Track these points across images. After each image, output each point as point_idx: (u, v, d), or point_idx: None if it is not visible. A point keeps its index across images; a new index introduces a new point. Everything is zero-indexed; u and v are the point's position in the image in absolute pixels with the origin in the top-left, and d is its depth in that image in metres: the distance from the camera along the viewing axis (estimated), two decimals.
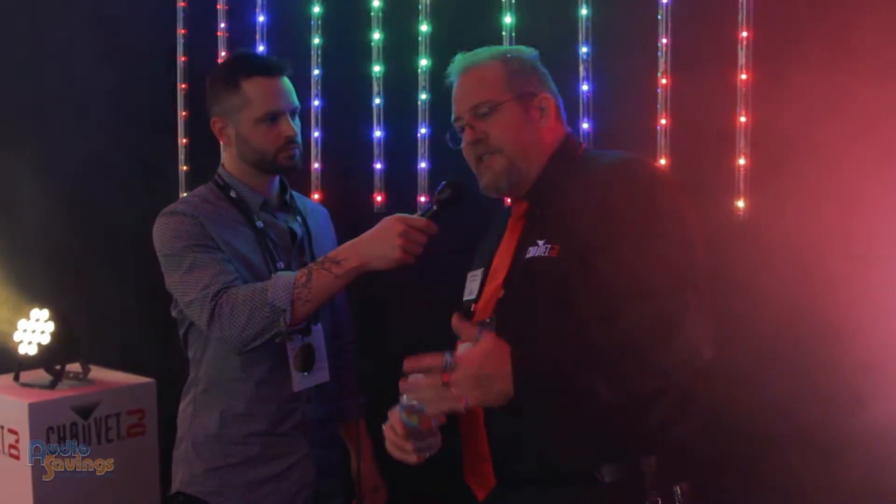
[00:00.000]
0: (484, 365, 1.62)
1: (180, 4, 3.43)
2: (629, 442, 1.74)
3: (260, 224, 2.30)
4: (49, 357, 3.20)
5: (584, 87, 2.48)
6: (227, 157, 2.37)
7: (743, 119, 2.25)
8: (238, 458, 2.28)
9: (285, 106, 2.27)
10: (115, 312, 3.73)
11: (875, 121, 2.05)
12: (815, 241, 2.12)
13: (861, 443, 2.08)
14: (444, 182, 2.06)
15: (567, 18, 2.50)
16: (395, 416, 1.76)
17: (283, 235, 2.34)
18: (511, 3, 2.61)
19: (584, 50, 2.48)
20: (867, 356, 2.06)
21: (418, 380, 1.66)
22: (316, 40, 3.06)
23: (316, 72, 3.06)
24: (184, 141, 3.47)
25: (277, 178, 2.39)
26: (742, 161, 2.25)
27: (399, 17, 2.88)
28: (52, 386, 3.15)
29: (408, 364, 1.67)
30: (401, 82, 2.87)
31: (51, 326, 3.18)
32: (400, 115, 2.88)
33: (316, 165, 3.08)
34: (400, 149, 2.89)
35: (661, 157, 2.37)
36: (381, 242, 2.05)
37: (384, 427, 1.80)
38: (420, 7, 2.79)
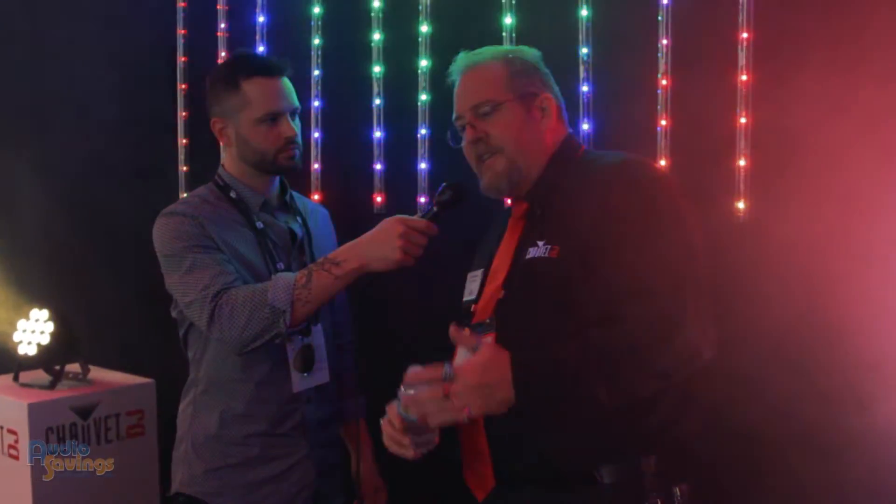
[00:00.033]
0: (484, 374, 1.62)
1: (180, 5, 3.43)
2: (629, 443, 1.74)
3: (260, 225, 2.30)
4: (48, 357, 3.20)
5: (585, 88, 2.48)
6: (227, 158, 2.37)
7: (743, 120, 2.24)
8: (238, 458, 2.28)
9: (285, 106, 2.27)
10: (114, 313, 3.72)
11: (876, 121, 2.05)
12: (816, 241, 2.12)
13: (861, 444, 2.08)
14: (444, 184, 2.06)
15: (567, 19, 2.50)
16: (393, 410, 1.76)
17: (283, 236, 2.34)
18: (511, 3, 2.61)
19: (584, 51, 2.48)
20: (868, 357, 2.06)
21: (419, 393, 1.66)
22: (316, 41, 3.06)
23: (316, 72, 3.06)
24: (184, 141, 3.47)
25: (277, 179, 2.39)
26: (742, 162, 2.25)
27: (399, 18, 2.88)
28: (51, 386, 3.14)
29: (408, 379, 1.67)
30: (401, 83, 2.87)
31: (50, 327, 3.18)
32: (400, 115, 2.88)
33: (316, 166, 3.08)
34: (400, 149, 2.89)
35: (661, 158, 2.37)
36: (381, 244, 2.05)
37: (382, 421, 1.80)
38: (420, 8, 2.79)
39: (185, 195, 3.36)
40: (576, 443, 1.73)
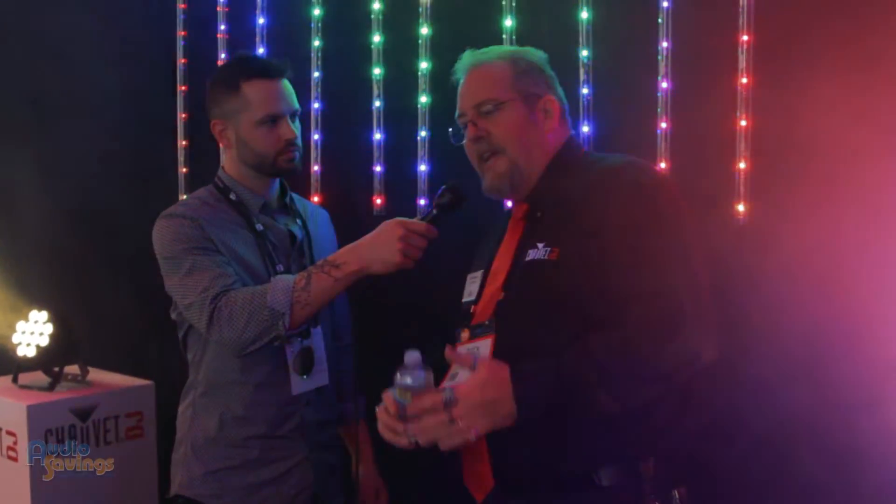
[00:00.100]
0: (485, 392, 1.64)
1: (180, 6, 3.43)
2: (628, 446, 1.74)
3: (259, 227, 2.30)
4: (48, 359, 3.19)
5: (585, 91, 2.48)
6: (227, 160, 2.37)
7: (743, 123, 2.24)
8: (237, 460, 2.28)
9: (285, 108, 2.27)
10: (114, 314, 3.72)
11: (876, 123, 2.05)
12: (816, 244, 2.11)
13: (861, 446, 2.07)
14: (443, 186, 2.06)
15: (568, 21, 2.50)
16: (389, 397, 1.76)
17: (282, 238, 2.34)
18: (512, 5, 2.60)
19: (584, 53, 2.48)
20: (868, 359, 2.06)
21: (425, 421, 1.66)
22: (316, 43, 3.06)
23: (316, 74, 3.06)
24: (183, 143, 3.47)
25: (277, 181, 2.39)
26: (742, 165, 2.25)
27: (399, 20, 2.87)
28: (50, 388, 3.14)
29: (411, 409, 1.67)
30: (401, 85, 2.87)
31: (49, 328, 3.18)
32: (400, 117, 2.88)
33: (316, 168, 3.08)
34: (400, 151, 2.89)
35: (661, 161, 2.37)
36: (381, 246, 2.04)
37: (377, 409, 1.80)
38: (420, 10, 2.79)
39: (184, 197, 3.36)
40: (575, 445, 1.73)
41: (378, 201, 2.94)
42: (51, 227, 3.94)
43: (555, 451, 1.74)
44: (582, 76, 2.48)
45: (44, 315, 3.20)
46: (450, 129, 2.02)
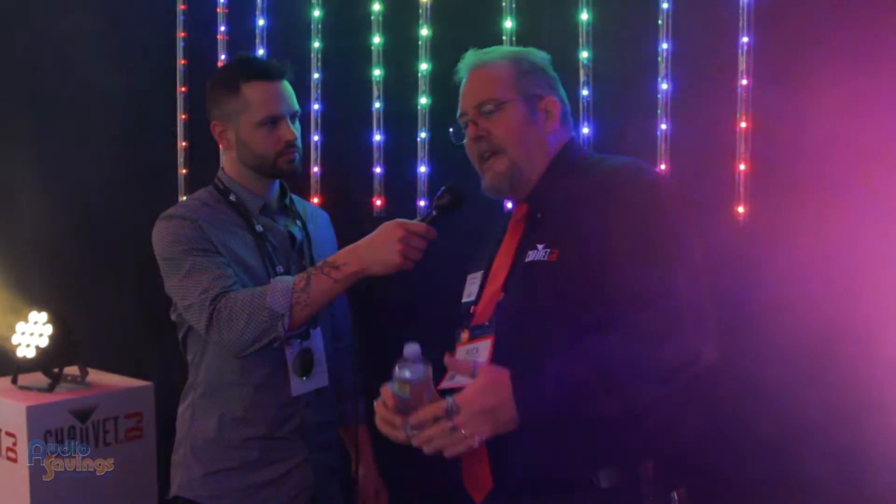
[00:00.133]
0: (486, 398, 1.64)
1: (181, 7, 3.43)
2: (626, 447, 1.74)
3: (259, 228, 2.30)
4: (47, 360, 3.19)
5: (585, 92, 2.48)
6: (227, 161, 2.37)
7: (743, 124, 2.24)
8: (237, 462, 2.28)
9: (285, 110, 2.27)
10: (113, 315, 3.72)
11: (876, 126, 2.05)
12: (816, 246, 2.11)
13: (862, 448, 2.07)
14: (443, 188, 2.06)
15: (568, 23, 2.50)
16: (388, 391, 1.76)
17: (282, 239, 2.34)
18: (512, 7, 2.60)
19: (584, 55, 2.48)
20: (869, 361, 2.06)
21: (430, 432, 1.67)
22: (316, 44, 3.06)
23: (316, 75, 3.06)
24: (183, 144, 3.47)
25: (277, 182, 2.39)
26: (742, 167, 2.24)
27: (399, 21, 2.87)
28: (50, 389, 3.14)
29: (414, 419, 1.68)
30: (401, 86, 2.87)
31: (49, 329, 3.18)
32: (400, 118, 2.88)
33: (316, 169, 3.08)
34: (399, 153, 2.88)
35: (661, 163, 2.37)
36: (381, 248, 2.05)
37: (375, 403, 1.80)
38: (420, 11, 2.79)
39: (184, 198, 3.36)
40: (573, 447, 1.73)
41: (378, 203, 2.94)
42: (50, 228, 3.94)
43: (554, 453, 1.74)
44: (582, 77, 2.48)
45: (43, 316, 3.20)
46: (451, 129, 2.02)
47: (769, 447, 2.23)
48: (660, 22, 2.36)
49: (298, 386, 2.27)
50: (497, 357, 1.78)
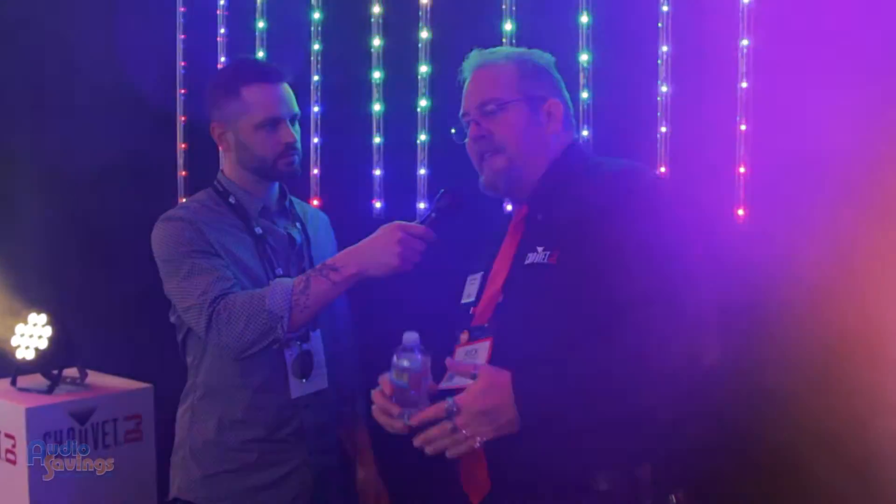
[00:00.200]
0: (486, 400, 1.65)
1: (180, 9, 3.43)
2: (625, 450, 1.74)
3: (259, 230, 2.30)
4: (46, 362, 3.19)
5: (584, 95, 2.48)
6: (227, 163, 2.37)
7: (743, 127, 2.24)
8: (236, 464, 2.28)
9: (285, 112, 2.27)
10: (113, 317, 3.72)
11: (876, 128, 2.05)
12: (816, 248, 2.11)
13: (863, 450, 2.07)
14: (442, 190, 2.07)
15: (567, 26, 2.50)
16: (385, 380, 1.76)
17: (281, 241, 2.34)
18: (511, 9, 2.60)
19: (584, 57, 2.48)
20: (869, 362, 2.06)
21: (430, 433, 1.67)
22: (316, 46, 3.05)
23: (316, 78, 3.05)
24: (183, 146, 3.47)
25: (276, 185, 2.39)
26: (742, 169, 2.24)
27: (399, 24, 2.87)
28: (49, 391, 3.14)
29: (415, 420, 1.69)
30: (400, 88, 2.87)
31: (48, 331, 3.17)
32: (399, 121, 2.88)
33: (315, 171, 3.07)
34: (399, 155, 2.88)
35: (661, 166, 2.37)
36: (380, 250, 2.05)
37: (373, 392, 1.81)
38: (420, 13, 2.79)
39: (183, 200, 3.36)
40: (571, 450, 1.73)
41: (377, 205, 2.93)
42: (50, 230, 3.94)
43: (552, 455, 1.74)
44: (582, 80, 2.48)
45: (43, 318, 3.20)
46: (452, 130, 2.02)
47: (769, 450, 2.23)
48: (659, 24, 2.36)
49: (298, 388, 2.27)
50: (496, 359, 1.78)
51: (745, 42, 2.24)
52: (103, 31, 3.67)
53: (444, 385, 1.80)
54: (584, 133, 2.48)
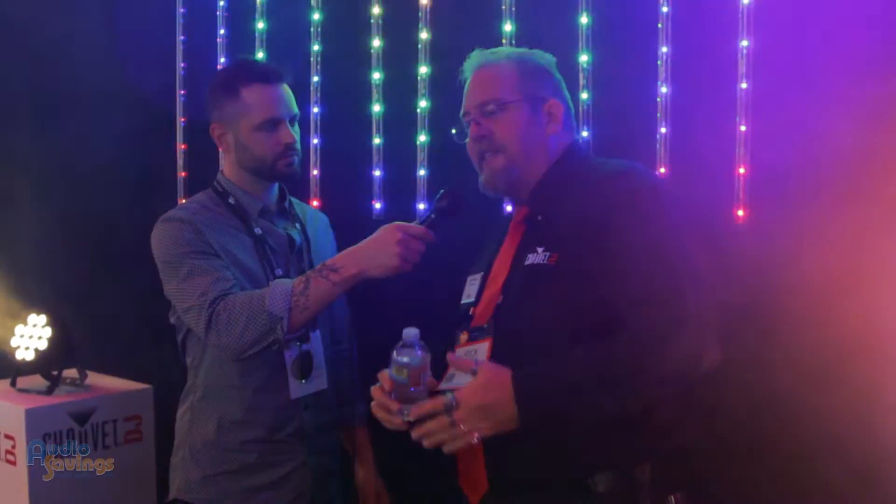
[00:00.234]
0: (485, 395, 1.65)
1: (180, 10, 3.43)
2: (623, 451, 1.74)
3: (258, 231, 2.30)
4: (46, 362, 3.19)
5: (584, 96, 2.48)
6: (226, 164, 2.37)
7: (743, 128, 2.24)
8: (235, 465, 2.28)
9: (284, 113, 2.27)
10: (112, 318, 3.72)
11: (876, 128, 2.05)
12: (816, 249, 2.11)
13: (864, 451, 2.07)
14: (442, 190, 2.07)
15: (567, 26, 2.50)
16: (385, 376, 1.77)
17: (281, 242, 2.34)
18: (511, 10, 2.60)
19: (583, 58, 2.48)
20: (870, 364, 2.06)
21: (428, 426, 1.68)
22: (315, 47, 3.06)
23: (315, 78, 3.06)
24: (182, 147, 3.47)
25: (276, 185, 2.39)
26: (742, 170, 2.25)
27: (399, 24, 2.87)
28: (48, 391, 3.14)
29: (414, 413, 1.69)
30: (400, 89, 2.87)
31: (48, 332, 3.18)
32: (399, 122, 2.88)
33: (315, 172, 3.07)
34: (399, 156, 2.88)
35: (660, 166, 2.37)
36: (379, 251, 2.05)
37: (372, 389, 1.81)
38: (420, 14, 2.79)
39: (183, 201, 3.36)
40: (570, 450, 1.73)
41: (377, 205, 2.93)
42: (49, 231, 3.94)
43: (550, 455, 1.74)
44: (581, 81, 2.48)
45: (42, 318, 3.20)
46: (453, 130, 2.02)
47: (769, 450, 2.23)
48: (659, 25, 2.36)
49: (297, 389, 2.27)
50: (495, 359, 1.77)
51: (744, 43, 2.24)
52: (103, 32, 3.68)
53: (444, 385, 1.79)
54: (584, 133, 2.48)
